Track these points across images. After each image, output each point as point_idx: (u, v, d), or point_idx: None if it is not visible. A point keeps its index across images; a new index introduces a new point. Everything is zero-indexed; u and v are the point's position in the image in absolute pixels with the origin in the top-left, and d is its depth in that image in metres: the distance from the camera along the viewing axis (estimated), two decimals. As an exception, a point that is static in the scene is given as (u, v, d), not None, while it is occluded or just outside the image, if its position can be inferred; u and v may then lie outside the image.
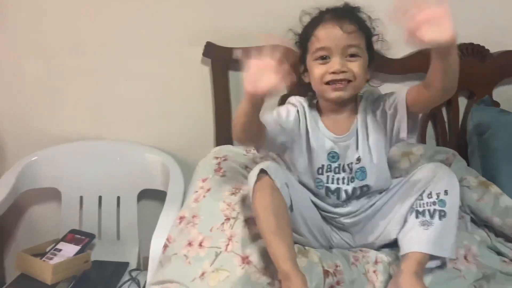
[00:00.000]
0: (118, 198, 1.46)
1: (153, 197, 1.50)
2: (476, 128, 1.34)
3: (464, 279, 0.93)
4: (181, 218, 1.07)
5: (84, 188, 1.45)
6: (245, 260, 0.92)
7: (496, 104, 1.42)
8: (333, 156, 1.00)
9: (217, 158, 1.20)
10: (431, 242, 0.90)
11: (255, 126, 0.89)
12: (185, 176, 1.34)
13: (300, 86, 1.04)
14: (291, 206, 0.93)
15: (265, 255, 0.90)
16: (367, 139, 0.99)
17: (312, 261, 0.94)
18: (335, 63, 0.92)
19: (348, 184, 1.00)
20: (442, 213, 0.91)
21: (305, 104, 1.03)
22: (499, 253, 1.07)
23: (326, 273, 0.92)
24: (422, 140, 1.45)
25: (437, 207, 0.92)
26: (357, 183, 0.99)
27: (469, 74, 1.37)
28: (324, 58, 0.94)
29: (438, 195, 0.92)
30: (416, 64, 1.36)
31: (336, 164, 1.00)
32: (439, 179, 0.93)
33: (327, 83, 0.94)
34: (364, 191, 1.01)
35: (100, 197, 1.46)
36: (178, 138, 1.48)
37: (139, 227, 1.46)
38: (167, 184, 1.34)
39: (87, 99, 1.46)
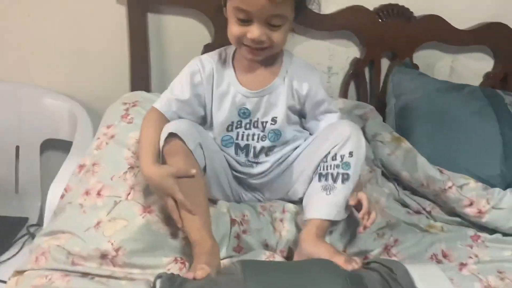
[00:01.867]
0: (17, 148, 1.32)
1: (59, 148, 1.38)
2: (395, 89, 1.36)
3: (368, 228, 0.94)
4: (81, 167, 0.98)
5: (-23, 136, 1.29)
6: (146, 209, 0.86)
7: (416, 67, 1.44)
8: (244, 112, 0.94)
9: (125, 103, 1.10)
10: (332, 207, 0.88)
11: None
12: (95, 126, 1.23)
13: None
14: (205, 167, 0.89)
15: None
16: (286, 102, 0.95)
17: (220, 211, 0.91)
18: (254, 31, 0.83)
19: (258, 142, 0.96)
20: (345, 176, 0.89)
21: (214, 61, 0.95)
22: (404, 205, 1.11)
23: (233, 222, 0.89)
24: (344, 96, 1.45)
25: (340, 170, 0.89)
26: (267, 143, 0.96)
27: (392, 35, 1.38)
28: (244, 21, 0.84)
29: (342, 157, 0.89)
30: (344, 22, 1.34)
31: (247, 120, 0.95)
32: (345, 139, 0.90)
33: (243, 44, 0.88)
34: (272, 149, 0.98)
35: (-4, 146, 1.31)
36: (89, 83, 1.36)
37: (43, 180, 1.34)
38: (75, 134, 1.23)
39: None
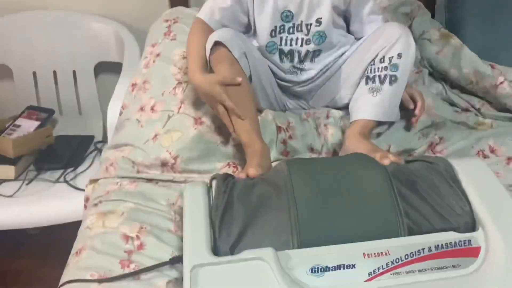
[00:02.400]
0: (74, 72, 1.40)
1: (111, 69, 1.44)
2: (445, -19, 1.27)
3: (413, 127, 0.95)
4: (133, 85, 1.03)
5: (36, 63, 1.38)
6: (197, 121, 0.91)
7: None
8: (286, 15, 0.93)
9: (167, 21, 1.11)
10: (378, 108, 0.89)
11: None
12: (141, 44, 1.27)
13: None
14: (250, 76, 0.90)
15: (218, 116, 0.89)
16: (331, 2, 0.92)
17: (266, 119, 0.94)
18: None
19: (302, 46, 0.95)
20: (393, 78, 0.88)
21: None
22: (452, 104, 1.09)
23: (279, 129, 0.93)
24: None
25: (388, 72, 0.88)
26: (312, 47, 0.95)
27: None
28: None
29: (390, 59, 0.88)
30: None
31: (290, 24, 0.93)
32: (394, 42, 0.88)
33: None
34: (317, 54, 0.97)
35: (54, 72, 1.40)
36: (129, 4, 1.37)
37: (101, 100, 1.43)
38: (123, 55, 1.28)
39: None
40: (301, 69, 0.98)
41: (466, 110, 1.08)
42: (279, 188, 0.65)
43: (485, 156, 0.95)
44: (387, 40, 0.89)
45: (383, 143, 0.94)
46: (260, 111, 0.97)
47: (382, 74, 0.89)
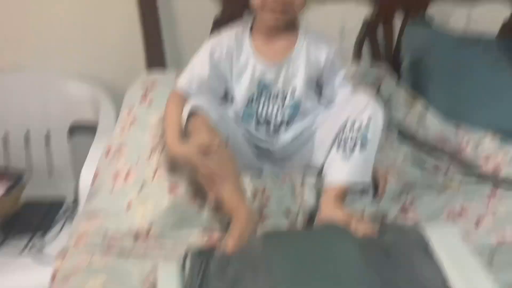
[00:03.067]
0: (48, 133, 1.39)
1: (86, 130, 1.44)
2: (409, 45, 1.35)
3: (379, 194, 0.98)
4: (108, 151, 1.03)
5: (8, 124, 1.36)
6: (173, 189, 0.91)
7: (430, 21, 1.41)
8: (264, 84, 0.97)
9: (144, 85, 1.14)
10: (349, 174, 0.92)
11: None
12: (118, 104, 1.27)
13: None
14: (227, 139, 0.92)
15: (193, 182, 0.90)
16: (305, 73, 0.97)
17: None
18: None
19: (278, 114, 0.99)
20: (364, 143, 0.92)
21: (232, 36, 0.97)
22: (421, 165, 1.13)
23: (255, 194, 0.94)
24: (358, 56, 1.44)
25: (358, 138, 0.92)
26: (287, 116, 0.99)
27: (405, -9, 1.35)
28: None
29: (360, 125, 0.92)
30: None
31: (266, 93, 0.97)
32: (363, 109, 0.93)
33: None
34: (291, 123, 1.01)
35: (27, 133, 1.38)
36: (106, 65, 1.40)
37: (73, 161, 1.41)
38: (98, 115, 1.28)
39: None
40: (277, 136, 1.01)
41: (435, 171, 1.12)
42: (255, 267, 0.65)
43: (455, 218, 0.97)
44: (357, 107, 0.94)
45: (358, 203, 0.96)
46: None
47: (353, 140, 0.93)
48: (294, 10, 0.91)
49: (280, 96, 0.98)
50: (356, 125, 0.93)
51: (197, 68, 0.96)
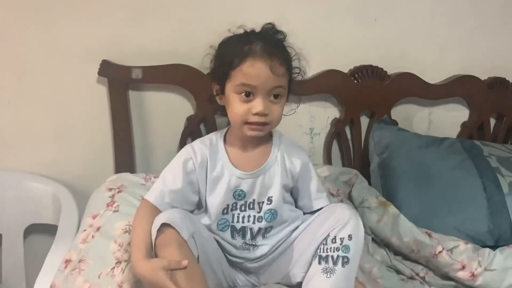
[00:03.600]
0: (0, 236, 1.28)
1: (44, 231, 1.35)
2: (376, 147, 1.39)
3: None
4: (67, 262, 0.95)
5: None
6: (138, 311, 0.83)
7: (395, 123, 1.48)
8: (239, 194, 0.95)
9: (110, 189, 1.08)
10: None
11: None
12: (81, 207, 1.21)
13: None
14: (198, 257, 0.87)
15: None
16: (281, 182, 0.96)
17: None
18: (259, 104, 0.87)
19: (254, 223, 0.96)
20: (346, 260, 0.88)
21: (205, 147, 0.96)
22: (398, 272, 1.10)
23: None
24: (328, 158, 1.47)
25: (340, 253, 0.89)
26: (264, 224, 0.96)
27: (370, 95, 1.43)
28: (248, 95, 0.88)
29: (342, 240, 0.89)
30: (322, 85, 1.39)
31: (242, 202, 0.95)
32: (344, 223, 0.90)
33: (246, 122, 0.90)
34: (268, 231, 0.98)
35: (-23, 236, 1.27)
36: (72, 165, 1.34)
37: (27, 267, 1.30)
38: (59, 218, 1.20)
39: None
40: (254, 245, 0.97)
41: (411, 278, 1.10)
42: None
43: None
44: (338, 221, 0.91)
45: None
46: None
47: (335, 254, 0.89)
48: (272, 123, 0.91)
49: (256, 205, 0.95)
50: (338, 241, 0.90)
51: (170, 179, 0.93)
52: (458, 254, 1.06)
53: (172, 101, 1.35)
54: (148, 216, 0.88)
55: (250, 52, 0.86)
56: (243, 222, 0.95)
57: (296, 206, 1.02)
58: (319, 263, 0.90)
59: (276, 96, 0.89)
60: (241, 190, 0.94)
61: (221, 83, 0.92)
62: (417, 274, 1.09)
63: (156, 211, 0.89)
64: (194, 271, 0.83)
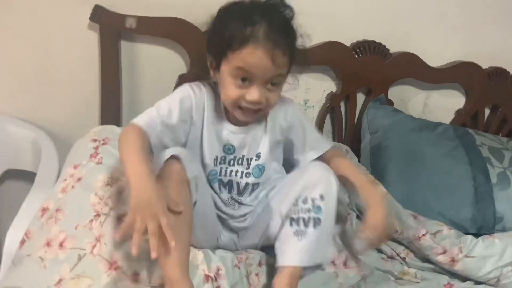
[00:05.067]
0: (-25, 178, 1.24)
1: (22, 178, 1.30)
2: (369, 125, 1.37)
3: (340, 284, 0.93)
4: (44, 210, 0.91)
5: None
6: (112, 265, 0.80)
7: (390, 103, 1.45)
8: (229, 148, 0.93)
9: (95, 140, 1.03)
10: (303, 253, 0.86)
11: None
12: (62, 156, 1.16)
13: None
14: (195, 202, 0.84)
15: (136, 259, 0.80)
16: (269, 138, 0.94)
17: (193, 263, 0.86)
18: (254, 92, 0.82)
19: (241, 178, 0.94)
20: (317, 221, 0.86)
21: (206, 91, 0.91)
22: (379, 250, 1.10)
23: (206, 277, 0.85)
24: (320, 130, 1.44)
25: (312, 214, 0.87)
26: (251, 180, 0.94)
27: (369, 71, 1.39)
28: (243, 80, 0.82)
29: (313, 200, 0.87)
30: (322, 57, 1.33)
31: (231, 156, 0.93)
32: (316, 182, 0.88)
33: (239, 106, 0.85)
34: (255, 188, 0.96)
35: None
36: (55, 111, 1.28)
37: (2, 213, 1.25)
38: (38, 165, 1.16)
39: None
40: (239, 202, 0.96)
41: (392, 257, 1.10)
42: None
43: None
44: (309, 181, 0.89)
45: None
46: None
47: (306, 216, 0.87)
48: (267, 109, 0.88)
49: (245, 161, 0.93)
50: (309, 202, 0.87)
51: (165, 111, 0.87)
52: (441, 239, 1.06)
53: (165, 56, 1.29)
54: (139, 136, 0.81)
55: (252, 37, 0.79)
56: (230, 176, 0.93)
57: (292, 161, 1.00)
58: (291, 224, 0.88)
59: (274, 84, 0.84)
60: (231, 145, 0.92)
61: (217, 59, 0.86)
62: (398, 254, 1.09)
63: (145, 136, 0.82)
64: (186, 219, 0.79)
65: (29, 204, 1.02)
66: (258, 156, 0.94)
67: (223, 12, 0.86)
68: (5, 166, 1.25)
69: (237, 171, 0.94)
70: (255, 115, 0.87)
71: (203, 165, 0.93)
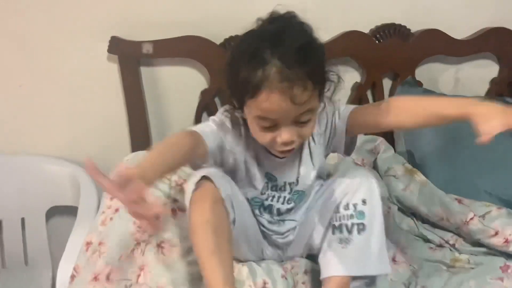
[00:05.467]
0: (23, 219, 1.29)
1: (65, 213, 1.35)
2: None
3: (392, 282, 0.90)
4: (88, 244, 0.94)
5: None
6: (160, 294, 0.82)
7: (419, 84, 1.40)
8: (270, 178, 0.90)
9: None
10: (351, 262, 0.82)
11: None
12: (100, 188, 1.19)
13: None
14: (234, 220, 0.83)
15: (182, 283, 0.82)
16: (311, 157, 0.91)
17: (238, 280, 0.86)
18: (284, 134, 0.76)
19: (282, 204, 0.92)
20: (361, 227, 0.82)
21: (238, 129, 0.87)
22: (426, 240, 1.06)
23: (251, 291, 0.85)
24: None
25: (354, 220, 0.83)
26: (292, 205, 0.93)
27: (393, 55, 1.35)
28: (269, 127, 0.77)
29: (355, 206, 0.83)
30: (341, 48, 1.30)
31: (273, 183, 0.91)
32: (357, 188, 0.84)
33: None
34: (295, 209, 0.94)
35: (1, 218, 1.29)
36: (88, 145, 1.33)
37: (52, 248, 1.31)
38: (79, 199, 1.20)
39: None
40: (282, 220, 0.94)
41: (441, 245, 1.05)
42: None
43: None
44: (348, 186, 0.85)
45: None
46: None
47: (349, 222, 0.83)
48: (305, 140, 0.85)
49: (287, 186, 0.91)
50: (351, 207, 0.84)
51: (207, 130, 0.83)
52: (491, 220, 1.01)
53: (185, 75, 1.31)
54: (187, 137, 0.77)
55: (264, 80, 0.71)
56: (271, 201, 0.92)
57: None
58: (333, 233, 0.85)
59: (303, 122, 0.77)
60: (272, 175, 0.90)
61: (238, 104, 0.80)
62: (447, 242, 1.05)
63: (196, 137, 0.79)
64: (223, 230, 0.78)
65: (75, 238, 1.06)
66: (297, 180, 0.91)
67: (235, 52, 0.79)
68: (49, 204, 1.30)
69: (279, 197, 0.92)
70: (293, 151, 0.83)
71: (248, 190, 0.91)
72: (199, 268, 0.77)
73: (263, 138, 0.79)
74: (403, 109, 0.83)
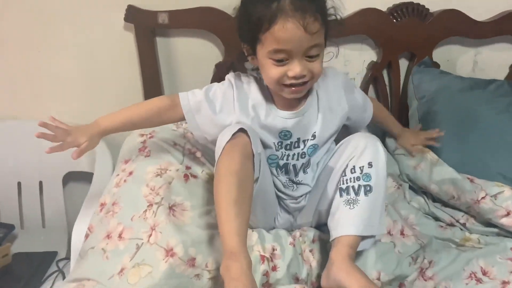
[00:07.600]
0: (41, 183, 1.33)
1: (81, 179, 1.38)
2: (416, 91, 1.31)
3: (400, 254, 0.91)
4: (102, 205, 0.97)
5: (0, 173, 1.30)
6: (169, 252, 0.83)
7: (436, 65, 1.38)
8: (285, 134, 0.92)
9: (142, 135, 1.08)
10: (358, 221, 0.84)
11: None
12: (115, 154, 1.22)
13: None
14: (257, 179, 0.86)
15: (191, 245, 0.83)
16: (324, 115, 0.93)
17: (248, 245, 0.85)
18: (295, 67, 0.82)
19: (297, 160, 0.94)
20: (368, 188, 0.85)
21: (251, 83, 0.93)
22: (436, 219, 1.06)
23: (262, 258, 0.86)
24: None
25: (361, 182, 0.85)
26: (306, 159, 0.94)
27: (410, 35, 1.33)
28: (282, 60, 0.82)
29: (361, 168, 0.86)
30: (357, 25, 1.29)
31: (288, 142, 0.93)
32: (362, 150, 0.87)
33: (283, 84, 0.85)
34: (308, 165, 0.96)
35: (19, 183, 1.32)
36: (103, 113, 1.32)
37: (68, 212, 1.35)
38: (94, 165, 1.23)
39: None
40: (297, 183, 0.96)
41: (451, 224, 1.05)
42: None
43: (478, 280, 0.89)
44: (355, 150, 0.88)
45: (373, 269, 0.89)
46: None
47: (356, 184, 0.86)
48: (313, 80, 0.86)
49: (301, 143, 0.93)
50: (357, 170, 0.86)
51: (218, 96, 0.94)
52: (503, 200, 1.00)
53: (200, 47, 1.31)
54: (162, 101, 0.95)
55: (279, 11, 0.79)
56: (287, 159, 0.94)
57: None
58: (341, 195, 0.87)
59: (312, 57, 0.83)
60: (287, 131, 0.91)
61: (251, 45, 0.86)
62: (457, 221, 1.05)
63: (173, 100, 0.94)
64: (247, 185, 0.80)
65: (89, 201, 1.09)
66: (313, 136, 0.93)
67: None
68: (65, 169, 1.33)
69: (293, 154, 0.93)
70: (303, 89, 0.86)
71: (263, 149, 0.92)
72: (216, 216, 0.79)
73: (274, 72, 0.83)
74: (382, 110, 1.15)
